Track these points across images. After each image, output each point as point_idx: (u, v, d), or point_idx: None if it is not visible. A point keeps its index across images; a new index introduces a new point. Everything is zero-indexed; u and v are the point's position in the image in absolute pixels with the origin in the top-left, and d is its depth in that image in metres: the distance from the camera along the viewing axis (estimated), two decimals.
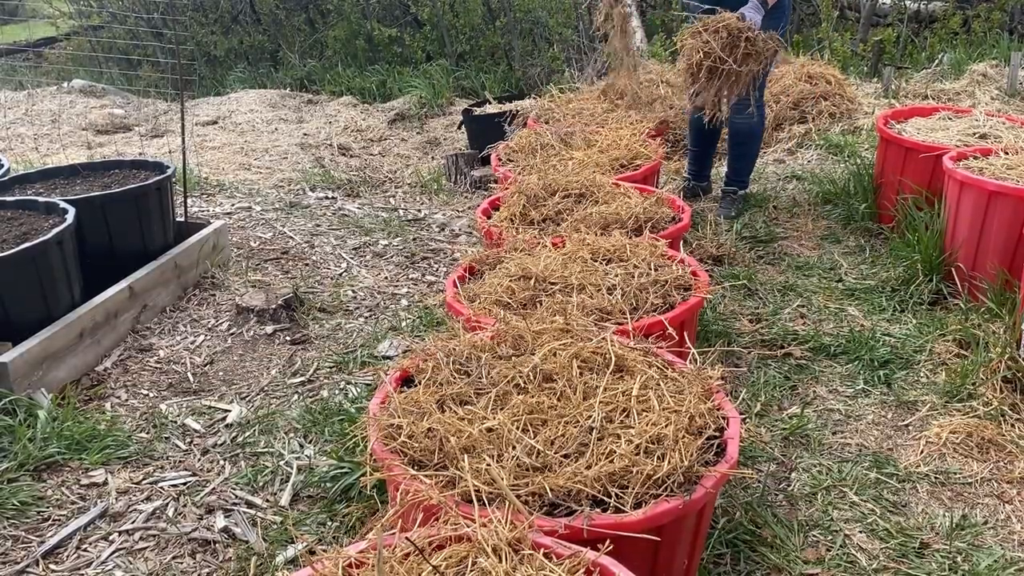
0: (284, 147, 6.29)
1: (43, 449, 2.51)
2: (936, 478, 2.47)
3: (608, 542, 1.48)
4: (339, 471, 2.42)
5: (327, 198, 5.02)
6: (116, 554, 2.19)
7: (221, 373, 3.09)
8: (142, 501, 2.39)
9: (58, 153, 5.77)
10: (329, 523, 2.28)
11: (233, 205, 4.74)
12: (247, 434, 2.70)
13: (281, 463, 2.55)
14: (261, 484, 2.47)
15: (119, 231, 3.41)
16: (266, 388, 2.99)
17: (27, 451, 2.50)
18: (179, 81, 4.42)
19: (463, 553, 1.45)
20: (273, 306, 3.40)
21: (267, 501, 2.40)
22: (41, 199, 3.29)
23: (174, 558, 2.19)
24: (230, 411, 2.83)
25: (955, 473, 2.48)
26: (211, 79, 9.67)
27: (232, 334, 3.34)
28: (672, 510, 1.63)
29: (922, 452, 2.57)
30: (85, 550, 2.21)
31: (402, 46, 9.23)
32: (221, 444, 2.66)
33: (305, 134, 6.71)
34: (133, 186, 3.46)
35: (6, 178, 3.65)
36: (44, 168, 3.84)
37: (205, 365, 3.14)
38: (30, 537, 2.24)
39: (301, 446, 2.64)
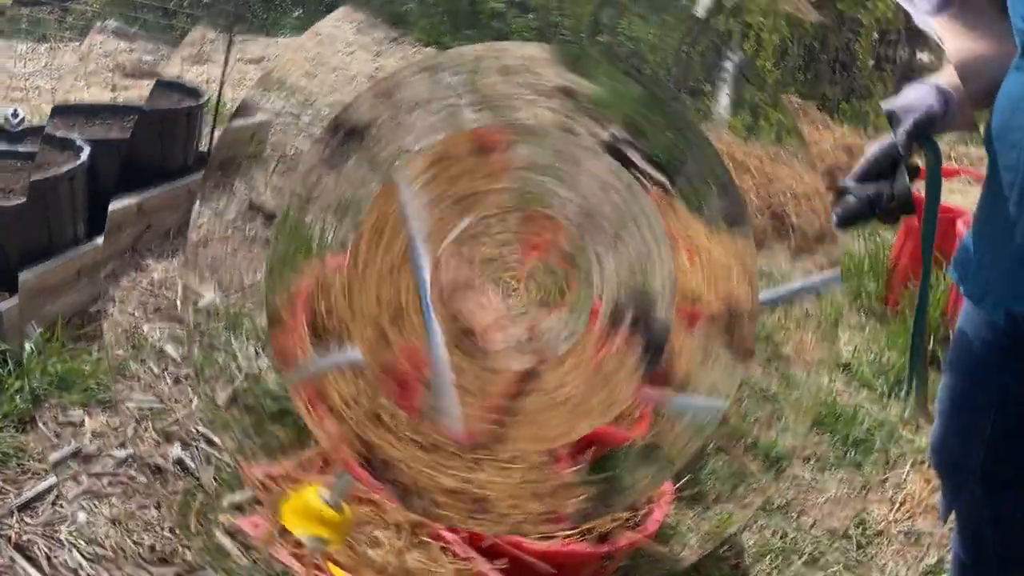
0: None
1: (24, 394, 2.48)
2: (906, 536, 2.45)
3: (505, 560, 1.47)
4: (284, 392, 2.35)
5: None
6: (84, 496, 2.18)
7: (209, 259, 2.98)
8: (115, 447, 2.37)
9: (82, 91, 5.75)
10: (254, 437, 2.23)
11: None
12: (212, 326, 2.61)
13: (232, 365, 2.47)
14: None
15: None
16: (247, 289, 2.88)
17: (13, 402, 2.46)
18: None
19: (367, 517, 1.44)
20: None
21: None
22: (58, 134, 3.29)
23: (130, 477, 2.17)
24: (203, 296, 2.74)
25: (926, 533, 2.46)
26: (263, 20, 9.41)
27: (236, 226, 3.25)
28: (573, 553, 1.61)
29: (894, 510, 2.54)
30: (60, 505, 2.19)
31: None
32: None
33: None
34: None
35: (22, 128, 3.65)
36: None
37: (198, 244, 3.05)
38: (7, 488, 2.22)
39: (258, 354, 2.54)
